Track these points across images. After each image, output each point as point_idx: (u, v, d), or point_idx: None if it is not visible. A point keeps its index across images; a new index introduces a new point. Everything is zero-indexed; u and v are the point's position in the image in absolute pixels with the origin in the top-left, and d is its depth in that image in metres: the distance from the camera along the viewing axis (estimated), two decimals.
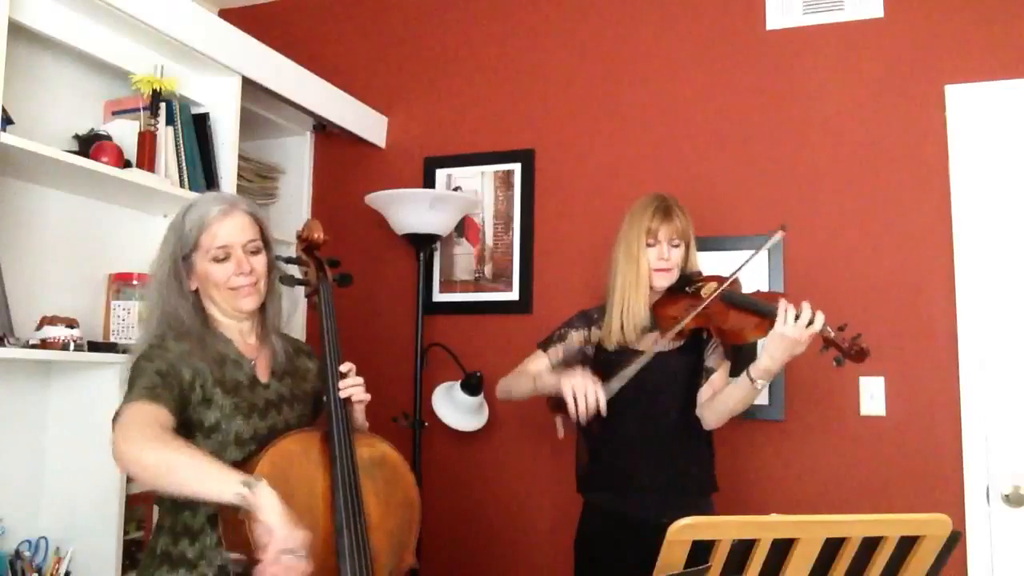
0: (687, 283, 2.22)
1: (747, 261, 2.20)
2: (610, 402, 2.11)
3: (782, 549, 1.30)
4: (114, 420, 1.57)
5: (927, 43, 2.77)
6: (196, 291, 1.79)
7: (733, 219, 2.89)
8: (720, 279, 2.18)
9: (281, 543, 1.42)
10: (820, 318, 1.97)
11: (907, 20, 2.79)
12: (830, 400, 2.72)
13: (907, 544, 1.33)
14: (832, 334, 2.00)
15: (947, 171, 2.70)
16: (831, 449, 2.73)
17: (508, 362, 3.07)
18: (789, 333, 1.96)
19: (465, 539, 3.11)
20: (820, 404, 2.74)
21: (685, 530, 1.24)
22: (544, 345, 2.36)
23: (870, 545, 1.33)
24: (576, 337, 2.32)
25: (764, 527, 1.28)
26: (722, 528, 1.28)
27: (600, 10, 3.15)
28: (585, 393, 1.99)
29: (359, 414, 1.88)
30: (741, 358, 2.30)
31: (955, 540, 1.34)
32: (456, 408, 2.96)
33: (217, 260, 1.74)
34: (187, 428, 1.69)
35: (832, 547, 1.32)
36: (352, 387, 1.82)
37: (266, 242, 1.83)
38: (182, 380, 1.66)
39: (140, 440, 1.50)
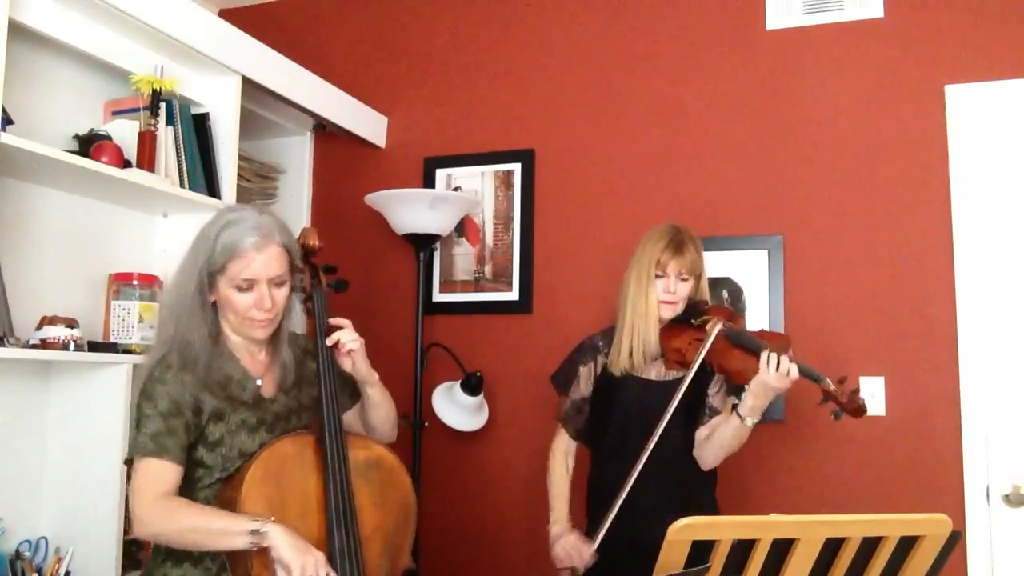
0: (693, 314, 2.24)
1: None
2: (613, 428, 2.25)
3: (782, 549, 1.30)
4: (127, 467, 1.70)
5: (927, 43, 2.77)
6: (214, 303, 1.79)
7: (733, 219, 2.89)
8: (726, 312, 2.21)
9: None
10: (794, 368, 2.06)
11: (907, 20, 2.79)
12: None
13: (907, 544, 1.33)
14: (832, 387, 2.06)
15: (947, 171, 2.70)
16: (831, 449, 2.73)
17: (508, 362, 3.09)
18: (771, 381, 2.06)
19: (465, 539, 3.10)
20: (820, 404, 2.73)
21: (685, 530, 1.24)
22: (561, 387, 2.39)
23: (870, 545, 1.33)
24: (583, 374, 2.35)
25: (764, 527, 1.28)
26: (722, 528, 1.28)
27: (600, 10, 3.15)
28: (572, 558, 2.21)
29: (360, 363, 1.87)
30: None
31: (955, 540, 1.34)
32: (456, 408, 2.95)
33: (240, 289, 1.74)
34: (193, 443, 1.72)
35: (832, 547, 1.32)
36: (339, 338, 1.84)
37: (292, 268, 1.82)
38: (185, 415, 1.69)
39: (154, 518, 1.63)
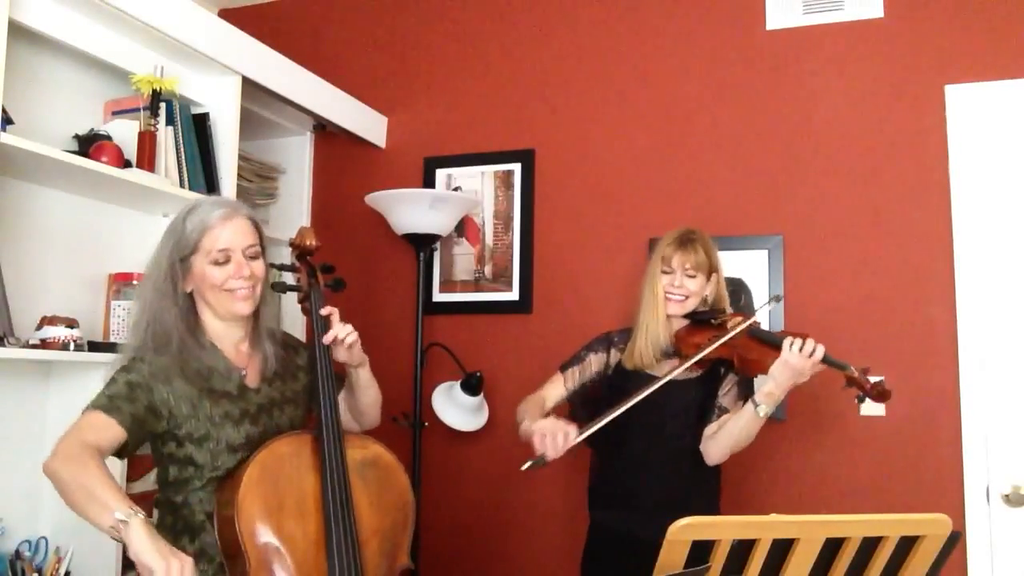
0: (713, 316, 2.25)
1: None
2: (620, 424, 2.16)
3: (782, 549, 1.30)
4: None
5: (927, 43, 2.77)
6: (190, 294, 1.79)
7: (733, 219, 2.89)
8: (746, 315, 2.23)
9: None
10: (820, 349, 2.05)
11: (907, 20, 2.79)
12: (830, 400, 2.72)
13: (907, 544, 1.34)
14: (856, 374, 2.07)
15: (947, 171, 2.70)
16: (831, 449, 2.73)
17: (508, 362, 3.09)
18: (793, 361, 2.04)
19: (465, 539, 3.10)
20: (820, 404, 2.73)
21: (685, 530, 1.24)
22: (564, 367, 2.38)
23: (870, 545, 1.33)
24: (594, 360, 2.34)
25: (764, 527, 1.28)
26: (722, 528, 1.28)
27: (600, 10, 3.15)
28: (554, 437, 2.00)
29: (356, 351, 1.89)
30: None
31: (955, 540, 1.34)
32: (456, 408, 2.96)
33: (217, 263, 1.75)
34: (177, 441, 1.71)
35: (832, 547, 1.32)
36: (336, 334, 1.84)
37: (262, 248, 1.84)
38: (153, 395, 1.68)
39: (62, 457, 1.53)
